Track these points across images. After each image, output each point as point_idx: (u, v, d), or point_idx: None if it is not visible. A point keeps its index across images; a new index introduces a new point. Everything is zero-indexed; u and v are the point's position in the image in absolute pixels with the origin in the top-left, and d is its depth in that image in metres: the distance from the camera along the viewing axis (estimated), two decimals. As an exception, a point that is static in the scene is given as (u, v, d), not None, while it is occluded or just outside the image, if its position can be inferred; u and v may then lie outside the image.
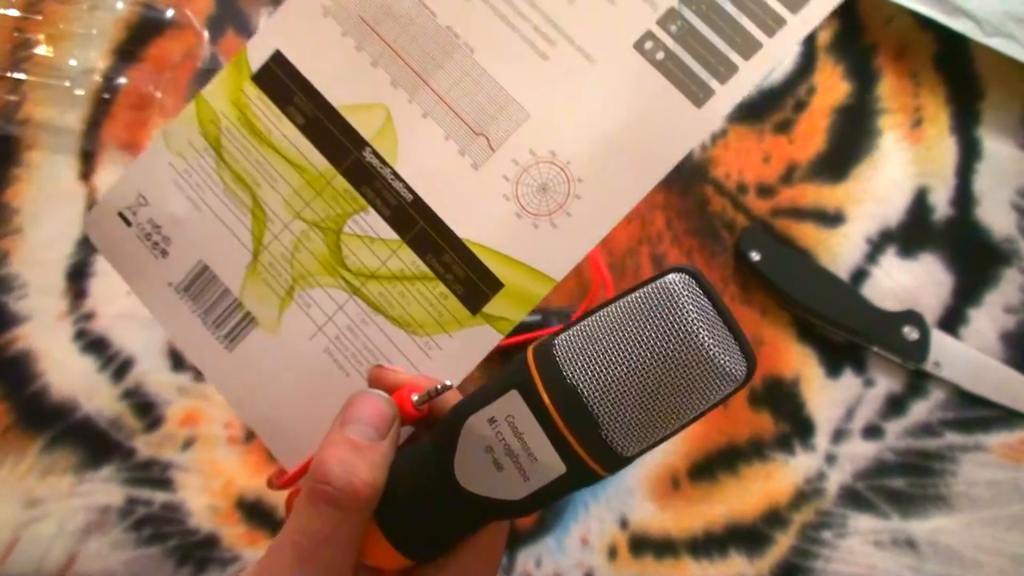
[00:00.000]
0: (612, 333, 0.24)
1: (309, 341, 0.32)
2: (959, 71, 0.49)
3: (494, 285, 0.31)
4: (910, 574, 0.44)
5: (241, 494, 0.46)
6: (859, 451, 0.45)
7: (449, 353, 0.31)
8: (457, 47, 0.32)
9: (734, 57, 0.30)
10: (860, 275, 0.47)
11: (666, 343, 0.23)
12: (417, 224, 0.32)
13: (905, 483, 0.45)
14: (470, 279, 0.31)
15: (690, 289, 0.23)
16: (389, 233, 0.32)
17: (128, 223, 0.34)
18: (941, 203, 0.48)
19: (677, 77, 0.30)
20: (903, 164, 0.48)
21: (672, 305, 0.23)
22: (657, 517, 0.45)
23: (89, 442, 0.47)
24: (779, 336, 0.47)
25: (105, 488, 0.46)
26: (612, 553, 0.45)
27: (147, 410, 0.47)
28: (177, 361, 0.48)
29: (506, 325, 0.31)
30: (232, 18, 0.52)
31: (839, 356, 0.47)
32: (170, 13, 0.52)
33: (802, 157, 0.48)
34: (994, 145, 0.48)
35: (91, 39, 0.52)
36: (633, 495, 0.45)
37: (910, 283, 0.47)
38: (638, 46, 0.30)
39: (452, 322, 0.31)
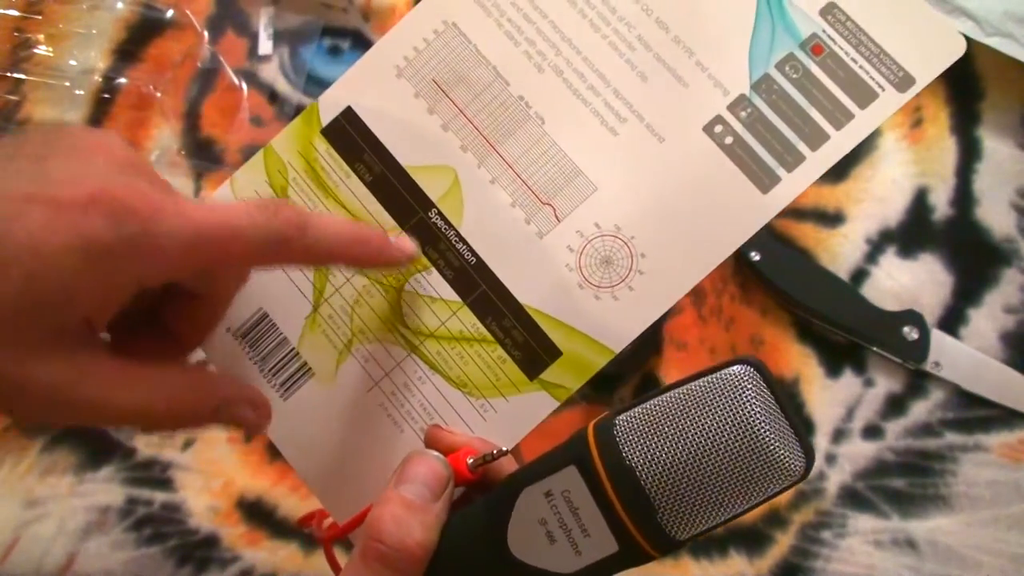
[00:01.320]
0: (674, 419, 0.24)
1: (365, 395, 0.33)
2: (959, 71, 0.49)
3: (553, 352, 0.31)
4: (910, 574, 0.44)
5: (241, 494, 0.46)
6: (859, 451, 0.45)
7: (505, 417, 0.32)
8: (528, 117, 0.32)
9: (801, 147, 0.30)
10: (860, 275, 0.47)
11: (728, 434, 0.23)
12: (479, 287, 0.32)
13: (905, 483, 0.45)
14: (529, 345, 0.32)
15: (754, 382, 0.24)
16: (450, 294, 0.32)
17: None
18: (941, 203, 0.48)
19: (744, 162, 0.31)
20: (903, 164, 0.48)
21: (736, 397, 0.23)
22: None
23: (89, 442, 0.47)
24: (779, 336, 0.47)
25: (105, 488, 0.46)
26: (612, 553, 0.45)
27: (147, 410, 0.47)
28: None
29: (563, 392, 0.31)
30: (232, 18, 0.52)
31: (839, 356, 0.47)
32: (170, 13, 0.52)
33: (802, 157, 0.48)
34: (994, 145, 0.48)
35: (91, 39, 0.52)
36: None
37: (910, 283, 0.47)
38: (707, 129, 0.31)
39: (509, 386, 0.32)
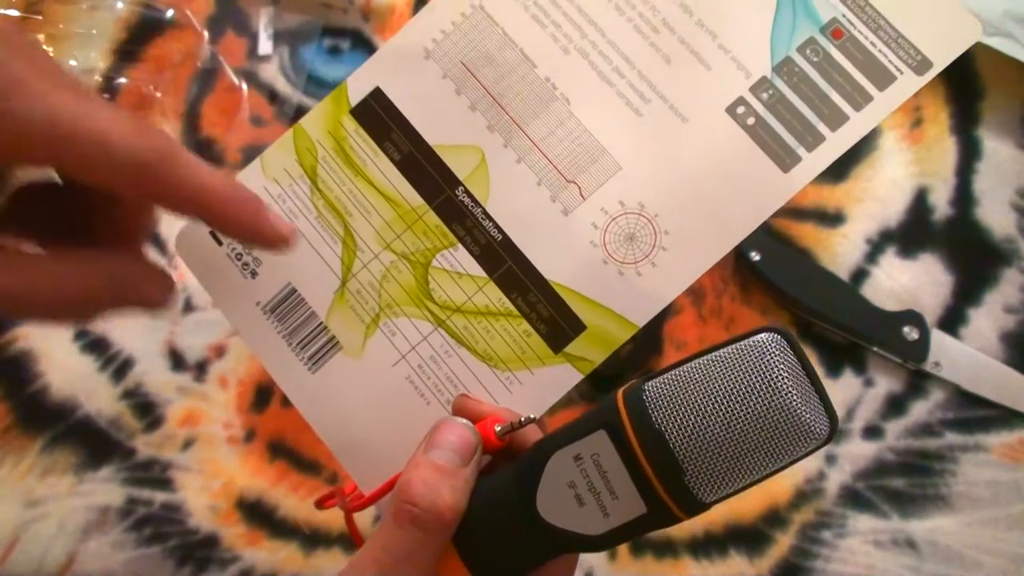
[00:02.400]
0: (703, 384, 0.24)
1: (391, 368, 0.33)
2: (959, 71, 0.49)
3: (577, 326, 0.32)
4: (910, 574, 0.44)
5: (241, 494, 0.46)
6: (859, 451, 0.45)
7: (530, 389, 0.32)
8: (554, 98, 0.33)
9: (822, 128, 0.31)
10: (860, 275, 0.47)
11: (756, 399, 0.24)
12: (505, 263, 0.32)
13: (905, 483, 0.45)
14: (554, 319, 0.32)
15: (781, 349, 0.24)
16: (477, 270, 0.33)
17: (219, 242, 0.35)
18: (941, 203, 0.48)
19: (766, 142, 0.31)
20: (903, 164, 0.48)
21: (764, 363, 0.24)
22: (657, 517, 0.45)
23: (89, 442, 0.47)
24: (779, 336, 0.47)
25: (105, 488, 0.46)
26: (612, 553, 0.45)
27: (147, 410, 0.47)
28: (177, 361, 0.48)
29: (587, 365, 0.32)
30: (232, 18, 0.52)
31: (839, 356, 0.47)
32: (170, 13, 0.52)
33: (802, 157, 0.48)
34: (994, 145, 0.48)
35: (91, 39, 0.52)
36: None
37: (910, 283, 0.47)
38: (730, 110, 0.32)
39: (534, 359, 0.32)
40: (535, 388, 0.32)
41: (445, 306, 0.33)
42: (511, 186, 0.33)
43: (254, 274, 0.34)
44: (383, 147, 0.34)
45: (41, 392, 0.47)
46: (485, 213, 0.33)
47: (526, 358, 0.32)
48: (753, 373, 0.24)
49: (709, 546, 0.45)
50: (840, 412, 0.46)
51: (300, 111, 0.50)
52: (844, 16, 0.31)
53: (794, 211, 0.48)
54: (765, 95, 0.31)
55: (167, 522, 0.46)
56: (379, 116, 0.34)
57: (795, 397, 0.24)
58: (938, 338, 0.46)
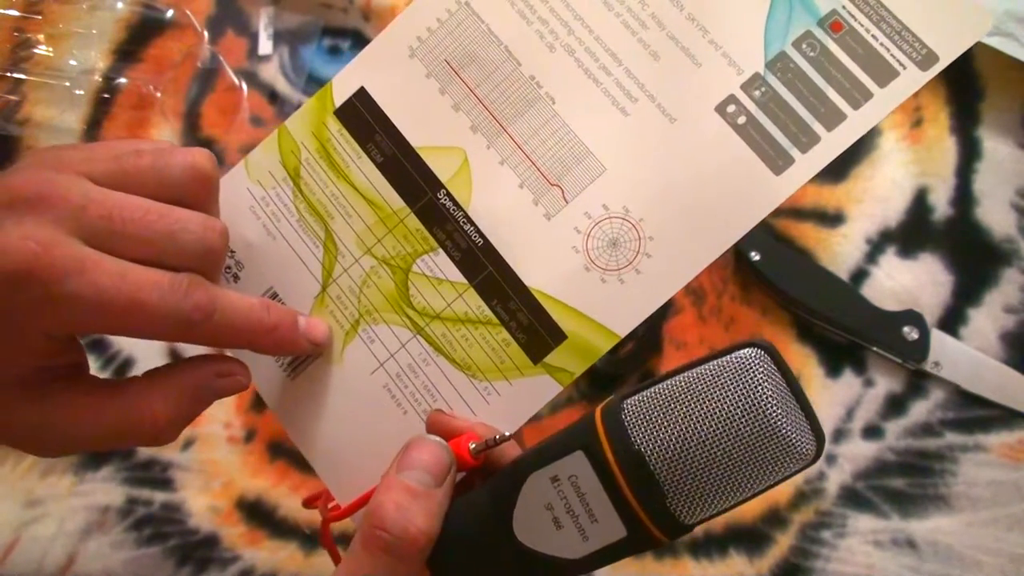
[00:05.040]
0: (683, 403, 0.24)
1: (370, 376, 0.32)
2: (959, 71, 0.49)
3: (557, 336, 0.31)
4: (910, 574, 0.44)
5: (241, 494, 0.46)
6: (859, 451, 0.45)
7: (507, 400, 0.31)
8: (539, 97, 0.32)
9: (817, 127, 0.30)
10: (860, 275, 0.47)
11: (738, 418, 0.23)
12: (486, 269, 0.32)
13: (905, 483, 0.45)
14: (534, 328, 0.31)
15: (765, 365, 0.23)
16: (457, 276, 0.32)
17: None
18: (941, 203, 0.48)
19: (757, 143, 0.30)
20: (903, 164, 0.48)
21: (747, 380, 0.23)
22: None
23: (89, 442, 0.47)
24: (779, 336, 0.47)
25: (105, 488, 0.46)
26: (612, 553, 0.45)
27: (147, 410, 0.47)
28: (177, 361, 0.48)
29: (566, 376, 0.31)
30: (232, 18, 0.52)
31: (839, 356, 0.47)
32: (170, 13, 0.52)
33: (802, 157, 0.48)
34: (994, 145, 0.48)
35: (91, 39, 0.52)
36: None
37: (910, 283, 0.47)
38: (720, 109, 0.30)
39: (513, 370, 0.31)
40: (513, 399, 0.31)
41: (424, 313, 0.32)
42: (493, 189, 0.32)
43: (236, 278, 0.34)
44: (366, 149, 0.33)
45: (41, 392, 0.47)
46: (467, 217, 0.32)
47: (504, 368, 0.31)
48: (736, 391, 0.23)
49: (709, 546, 0.45)
50: (840, 412, 0.46)
51: (300, 111, 0.50)
52: (844, 8, 0.30)
53: (794, 211, 0.48)
54: (757, 93, 0.30)
55: (167, 522, 0.46)
56: (363, 117, 0.34)
57: (780, 416, 0.23)
58: (938, 338, 0.45)
